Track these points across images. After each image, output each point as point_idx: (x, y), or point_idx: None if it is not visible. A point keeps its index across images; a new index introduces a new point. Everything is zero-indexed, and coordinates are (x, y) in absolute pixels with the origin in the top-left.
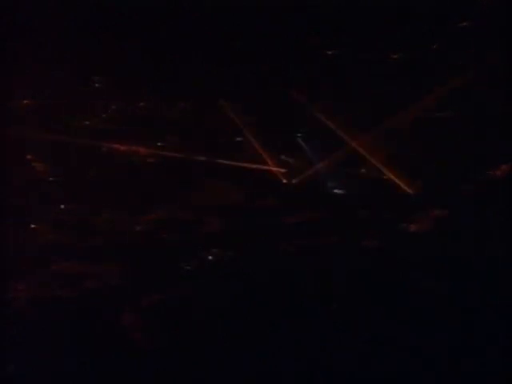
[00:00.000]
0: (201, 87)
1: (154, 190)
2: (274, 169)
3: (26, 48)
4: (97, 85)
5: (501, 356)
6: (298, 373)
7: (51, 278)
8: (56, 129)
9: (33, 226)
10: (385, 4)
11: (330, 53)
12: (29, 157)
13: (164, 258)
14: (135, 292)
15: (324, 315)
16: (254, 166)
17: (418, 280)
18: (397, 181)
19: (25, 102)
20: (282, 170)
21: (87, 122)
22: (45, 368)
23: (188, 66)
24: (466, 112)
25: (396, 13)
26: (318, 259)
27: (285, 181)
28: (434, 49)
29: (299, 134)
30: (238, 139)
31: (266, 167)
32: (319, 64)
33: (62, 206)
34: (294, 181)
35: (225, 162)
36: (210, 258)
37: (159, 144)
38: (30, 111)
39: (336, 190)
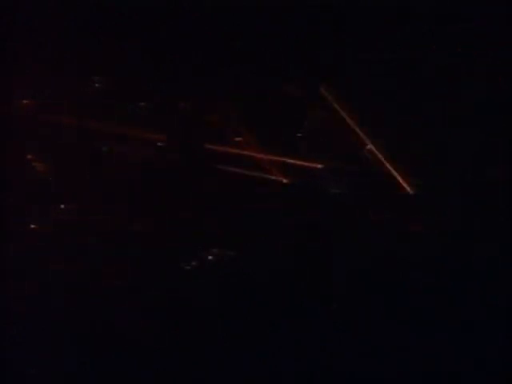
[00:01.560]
0: (201, 87)
1: (154, 189)
2: (274, 168)
3: (26, 48)
4: (97, 85)
5: (501, 356)
6: (298, 373)
7: (51, 278)
8: (56, 129)
9: (33, 226)
10: (385, 4)
11: (329, 53)
12: (29, 157)
13: (164, 258)
14: (135, 292)
15: (324, 315)
16: (254, 166)
17: (417, 280)
18: (397, 181)
19: (25, 102)
20: (282, 170)
21: (87, 122)
22: (45, 368)
23: (188, 65)
24: (466, 112)
25: (396, 13)
26: (318, 259)
27: (285, 181)
28: (433, 49)
29: (299, 134)
30: (238, 139)
31: (266, 167)
32: (319, 64)
33: (62, 206)
34: (293, 181)
35: (225, 161)
36: (210, 257)
37: (159, 144)
38: (30, 111)
39: (336, 190)
